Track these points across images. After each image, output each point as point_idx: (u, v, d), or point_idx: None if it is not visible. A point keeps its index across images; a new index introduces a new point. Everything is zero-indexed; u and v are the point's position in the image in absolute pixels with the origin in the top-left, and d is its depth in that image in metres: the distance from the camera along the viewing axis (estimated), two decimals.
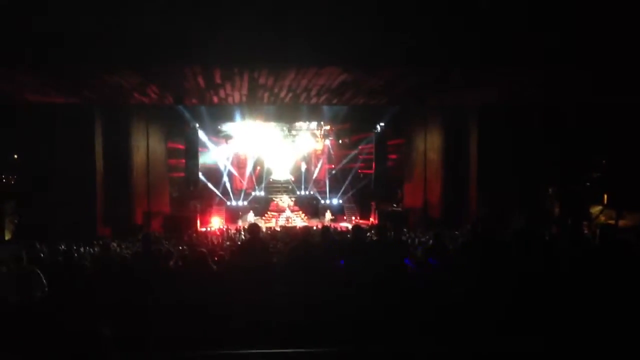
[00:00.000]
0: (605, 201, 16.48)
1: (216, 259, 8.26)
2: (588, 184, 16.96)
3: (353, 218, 22.41)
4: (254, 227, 7.07)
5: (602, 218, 15.42)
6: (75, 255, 10.49)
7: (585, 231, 11.89)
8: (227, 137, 22.37)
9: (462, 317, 4.59)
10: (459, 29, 9.68)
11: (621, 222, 14.37)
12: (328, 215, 22.07)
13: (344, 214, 23.29)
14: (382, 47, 10.02)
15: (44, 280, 5.93)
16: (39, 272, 6.00)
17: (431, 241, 9.21)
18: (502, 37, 9.74)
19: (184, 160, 20.66)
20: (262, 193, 24.28)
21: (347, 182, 24.11)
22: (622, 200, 15.28)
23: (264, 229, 17.91)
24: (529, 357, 3.73)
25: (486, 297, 4.89)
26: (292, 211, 22.86)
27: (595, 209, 16.28)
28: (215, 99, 14.98)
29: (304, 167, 25.06)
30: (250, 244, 6.72)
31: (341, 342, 3.98)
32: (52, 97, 13.95)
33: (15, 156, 17.14)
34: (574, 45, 9.81)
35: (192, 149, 20.61)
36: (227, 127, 22.45)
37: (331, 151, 24.92)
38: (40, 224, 14.71)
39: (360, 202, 23.47)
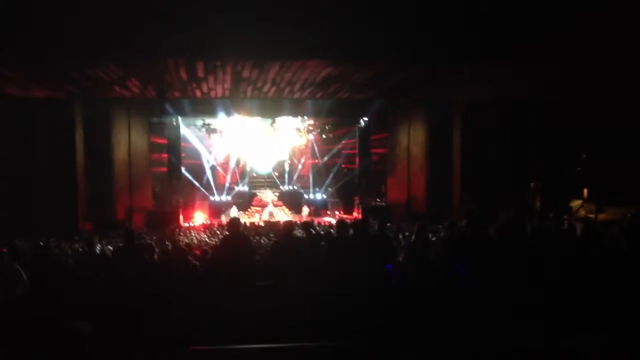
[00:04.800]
0: (586, 196, 16.70)
1: (199, 253, 8.23)
2: (569, 178, 17.16)
3: (336, 213, 22.43)
4: (234, 222, 7.03)
5: (583, 212, 15.62)
6: (57, 251, 10.40)
7: (565, 225, 12.02)
8: (210, 132, 22.21)
9: (449, 313, 4.61)
10: (449, 27, 9.72)
11: (601, 216, 14.57)
12: (305, 210, 22.06)
13: (327, 209, 23.30)
14: (369, 42, 10.01)
15: (25, 277, 5.86)
16: (19, 268, 5.93)
17: (414, 236, 9.24)
18: (493, 36, 9.81)
19: (166, 155, 20.50)
20: (246, 188, 24.19)
21: (330, 177, 24.12)
22: (601, 195, 15.49)
23: (247, 224, 17.85)
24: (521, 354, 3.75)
25: (471, 292, 4.92)
26: (276, 206, 22.80)
27: (576, 203, 16.48)
28: (198, 93, 14.87)
29: (287, 161, 25.02)
30: (232, 239, 6.69)
31: (325, 337, 3.97)
32: (31, 90, 13.75)
33: None
34: (558, 43, 9.93)
35: (175, 144, 20.46)
36: (210, 122, 22.30)
37: (315, 146, 24.89)
38: (20, 220, 14.53)
39: (343, 197, 23.50)
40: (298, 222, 15.31)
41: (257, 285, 5.89)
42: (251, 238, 11.67)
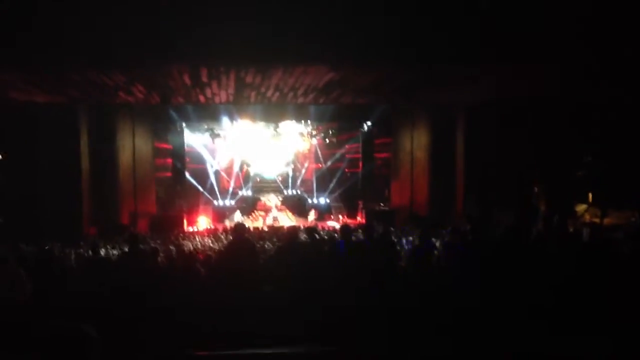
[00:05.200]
0: (590, 200, 16.63)
1: (202, 257, 8.24)
2: (573, 182, 17.09)
3: (340, 217, 22.40)
4: (239, 227, 7.03)
5: (587, 216, 15.55)
6: (61, 255, 10.43)
7: (570, 229, 11.99)
8: (214, 137, 22.24)
9: (451, 318, 4.60)
10: (449, 28, 9.72)
11: (606, 221, 14.50)
12: (312, 215, 21.99)
13: (331, 213, 23.28)
14: (370, 46, 10.02)
15: (28, 282, 5.87)
16: (23, 272, 5.94)
17: (417, 240, 9.24)
18: (492, 36, 9.81)
19: (170, 160, 20.55)
20: (249, 193, 24.18)
21: (334, 182, 24.09)
22: (607, 199, 15.42)
23: (251, 229, 17.84)
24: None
25: (477, 296, 4.91)
26: (280, 211, 22.78)
27: (581, 207, 16.41)
28: (202, 98, 14.91)
29: (290, 166, 25.02)
30: (237, 244, 6.69)
31: (328, 342, 3.97)
32: (35, 95, 13.81)
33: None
34: (559, 43, 9.92)
35: (179, 149, 20.53)
36: (213, 127, 22.35)
37: (318, 150, 24.88)
38: (25, 224, 14.55)
39: (347, 201, 23.46)
40: (302, 226, 15.31)
41: (261, 290, 5.89)
42: (255, 243, 11.68)
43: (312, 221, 21.01)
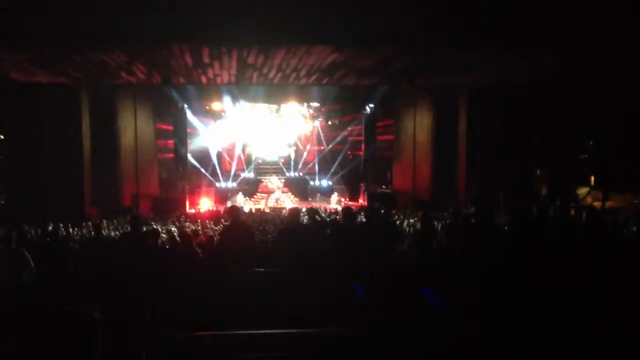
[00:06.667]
0: (592, 183, 16.62)
1: (204, 239, 8.28)
2: (575, 165, 17.07)
3: (342, 199, 22.45)
4: (233, 210, 7.03)
5: (589, 199, 15.55)
6: (63, 235, 10.48)
7: (572, 212, 12.00)
8: (216, 118, 22.21)
9: (451, 303, 4.62)
10: (452, 11, 9.63)
11: (608, 204, 14.51)
12: (334, 198, 21.89)
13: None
14: (374, 27, 9.94)
15: (32, 262, 5.90)
16: (26, 253, 5.97)
17: (418, 223, 9.25)
18: (493, 20, 9.72)
19: (172, 141, 20.55)
20: (251, 174, 24.23)
21: (336, 164, 24.10)
22: (608, 182, 15.41)
23: (253, 210, 17.89)
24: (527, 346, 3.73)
25: (479, 281, 4.92)
26: (282, 192, 22.84)
27: (582, 191, 16.40)
28: (204, 79, 14.83)
29: (292, 148, 25.02)
30: (232, 226, 6.70)
31: (326, 325, 3.99)
32: (37, 76, 13.75)
33: (1, 137, 16.94)
34: (557, 29, 9.85)
35: (181, 130, 20.50)
36: (215, 108, 22.32)
37: (320, 132, 24.85)
38: (27, 205, 14.60)
39: (349, 184, 23.49)
40: (305, 208, 15.36)
41: (262, 271, 5.93)
42: (257, 225, 11.72)
43: (335, 203, 21.00)
